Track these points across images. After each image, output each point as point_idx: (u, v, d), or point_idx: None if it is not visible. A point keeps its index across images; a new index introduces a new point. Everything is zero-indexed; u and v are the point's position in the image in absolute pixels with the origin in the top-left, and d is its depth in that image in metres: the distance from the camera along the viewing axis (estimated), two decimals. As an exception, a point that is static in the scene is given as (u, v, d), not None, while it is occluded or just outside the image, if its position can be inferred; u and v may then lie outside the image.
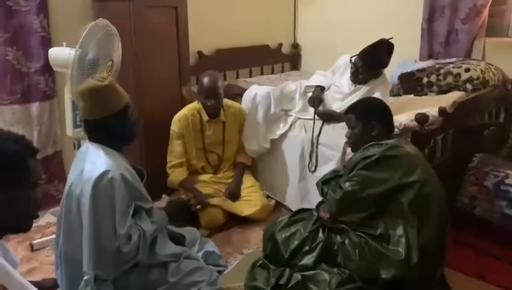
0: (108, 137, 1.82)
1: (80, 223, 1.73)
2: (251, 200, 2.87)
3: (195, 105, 2.92)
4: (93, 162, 1.75)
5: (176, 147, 2.86)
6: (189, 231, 2.27)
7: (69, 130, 2.49)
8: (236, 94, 3.28)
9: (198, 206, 2.72)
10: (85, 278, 1.70)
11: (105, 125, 1.80)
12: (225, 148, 2.99)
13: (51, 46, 2.67)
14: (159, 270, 1.87)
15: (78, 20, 2.79)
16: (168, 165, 2.86)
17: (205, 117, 2.88)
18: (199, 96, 2.86)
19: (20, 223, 1.18)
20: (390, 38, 2.57)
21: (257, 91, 3.07)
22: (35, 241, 2.54)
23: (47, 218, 2.83)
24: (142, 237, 1.79)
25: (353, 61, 2.68)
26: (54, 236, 2.50)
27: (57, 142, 3.02)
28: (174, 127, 2.86)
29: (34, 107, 2.87)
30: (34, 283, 1.78)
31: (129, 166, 1.89)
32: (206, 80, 2.80)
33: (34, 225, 1.24)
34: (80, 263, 1.73)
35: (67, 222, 1.79)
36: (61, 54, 2.33)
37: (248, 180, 3.01)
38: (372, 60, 2.62)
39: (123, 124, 1.83)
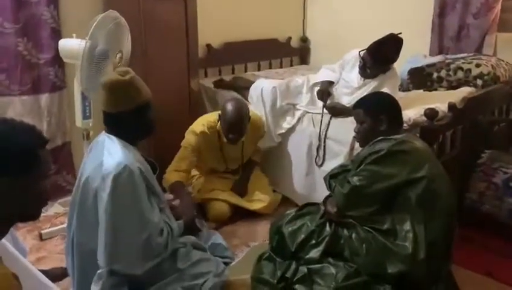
0: (125, 131, 1.84)
1: (95, 215, 1.74)
2: (258, 195, 2.87)
3: (215, 122, 2.73)
4: (111, 155, 1.75)
5: (188, 157, 2.69)
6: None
7: (79, 121, 2.51)
8: (243, 87, 3.28)
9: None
10: (98, 271, 1.71)
11: (122, 119, 1.81)
12: (243, 160, 2.96)
13: (60, 38, 2.68)
14: (169, 259, 1.88)
15: (88, 11, 2.80)
16: (172, 167, 2.68)
17: (224, 138, 2.70)
18: (221, 124, 2.65)
19: (30, 212, 1.19)
20: (399, 34, 2.55)
21: (263, 86, 3.06)
22: (44, 231, 2.56)
23: (56, 208, 2.85)
24: (171, 234, 1.83)
25: (361, 55, 2.66)
26: (62, 226, 2.54)
27: (66, 133, 3.04)
28: (192, 139, 2.69)
29: (44, 98, 2.89)
30: (43, 272, 1.81)
31: (143, 159, 1.90)
32: (231, 111, 2.57)
33: (43, 214, 1.26)
34: (92, 253, 1.75)
35: (81, 212, 1.81)
36: (71, 45, 2.35)
37: (256, 175, 3.01)
38: (380, 55, 2.60)
39: (140, 120, 1.85)
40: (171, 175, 2.65)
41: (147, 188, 1.81)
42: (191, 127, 2.75)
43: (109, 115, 1.83)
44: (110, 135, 1.84)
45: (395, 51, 2.60)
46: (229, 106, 2.59)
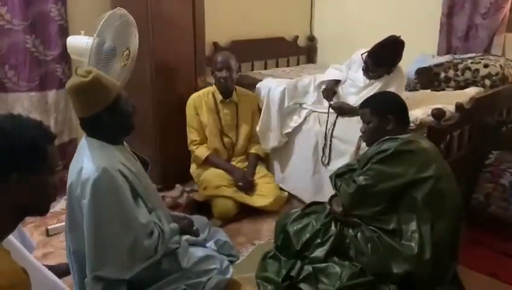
0: (105, 131, 1.76)
1: (82, 222, 1.69)
2: (264, 191, 2.87)
3: (209, 88, 3.01)
4: (90, 160, 1.69)
5: (194, 125, 2.95)
6: (196, 219, 2.26)
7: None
8: (250, 84, 3.28)
9: (240, 183, 2.85)
10: (85, 280, 1.69)
11: (98, 121, 1.72)
12: (238, 132, 3.02)
13: (68, 35, 2.69)
14: (169, 258, 1.87)
15: (95, 8, 2.81)
16: (191, 142, 2.96)
17: (219, 97, 2.95)
18: (213, 72, 2.95)
19: (38, 207, 1.20)
20: (399, 36, 2.54)
21: (271, 86, 3.06)
22: (50, 227, 2.58)
23: (62, 204, 2.86)
24: (161, 237, 1.78)
25: (363, 58, 2.66)
26: (68, 222, 2.56)
27: (73, 129, 3.06)
28: (189, 106, 2.95)
29: (51, 94, 2.91)
30: (49, 267, 1.82)
31: (131, 158, 1.86)
32: (220, 54, 2.96)
33: (49, 210, 1.26)
34: (85, 257, 1.71)
35: (70, 219, 1.78)
36: (79, 42, 2.35)
37: (261, 171, 3.02)
38: (380, 59, 2.60)
39: (117, 116, 1.75)
40: (200, 150, 2.94)
41: (131, 189, 1.74)
42: None
43: (86, 119, 1.74)
44: (90, 139, 1.77)
45: (396, 54, 2.59)
46: (218, 53, 3.03)
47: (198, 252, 1.99)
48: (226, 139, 3.01)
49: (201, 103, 2.95)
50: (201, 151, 2.94)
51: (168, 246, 1.85)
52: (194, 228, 2.12)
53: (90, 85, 1.67)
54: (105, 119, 1.72)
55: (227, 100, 2.97)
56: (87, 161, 1.69)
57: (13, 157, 1.09)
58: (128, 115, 1.81)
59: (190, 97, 2.97)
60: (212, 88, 2.98)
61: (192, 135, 2.96)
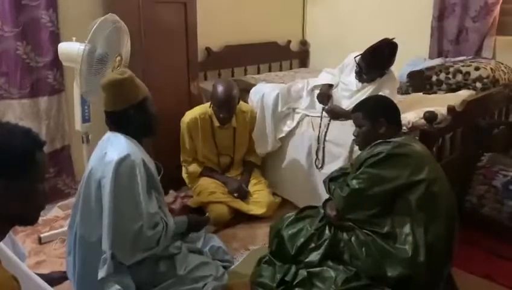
0: (129, 128, 1.88)
1: (98, 206, 1.77)
2: (258, 199, 2.86)
3: (206, 108, 2.87)
4: (115, 146, 1.81)
5: (187, 145, 2.88)
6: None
7: (78, 124, 2.51)
8: (243, 89, 3.28)
9: (235, 194, 2.84)
10: (102, 256, 1.74)
11: (125, 117, 1.86)
12: (236, 152, 2.99)
13: (59, 41, 2.68)
14: (167, 262, 1.90)
15: (87, 15, 2.80)
16: (183, 161, 2.94)
17: (216, 123, 2.85)
18: (212, 104, 2.80)
19: (27, 216, 1.18)
20: (392, 39, 2.55)
21: (264, 91, 3.06)
22: (43, 235, 2.55)
23: (55, 212, 2.84)
24: (165, 230, 1.84)
25: (357, 61, 2.66)
26: (61, 229, 2.54)
27: (65, 136, 3.04)
28: (183, 128, 2.86)
29: (43, 101, 2.89)
30: (42, 276, 1.80)
31: (149, 158, 1.94)
32: (221, 90, 2.70)
33: (42, 218, 1.25)
34: (95, 246, 1.77)
35: (85, 204, 1.83)
36: (70, 49, 2.35)
37: (255, 177, 3.01)
38: (374, 61, 2.60)
39: (142, 115, 1.89)
40: (193, 167, 2.90)
41: (148, 181, 1.85)
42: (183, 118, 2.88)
43: (114, 114, 1.88)
44: (115, 132, 1.88)
45: (390, 56, 2.60)
46: (219, 85, 2.73)
47: (195, 259, 2.00)
48: (222, 159, 2.99)
49: (196, 128, 2.84)
50: (195, 168, 2.91)
51: (169, 246, 1.91)
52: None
53: (125, 81, 1.85)
54: (132, 115, 1.86)
55: (225, 126, 2.88)
56: (112, 148, 1.81)
57: (1, 165, 1.09)
58: (152, 117, 1.95)
59: (184, 119, 2.85)
60: (209, 111, 2.84)
61: (184, 155, 2.93)
